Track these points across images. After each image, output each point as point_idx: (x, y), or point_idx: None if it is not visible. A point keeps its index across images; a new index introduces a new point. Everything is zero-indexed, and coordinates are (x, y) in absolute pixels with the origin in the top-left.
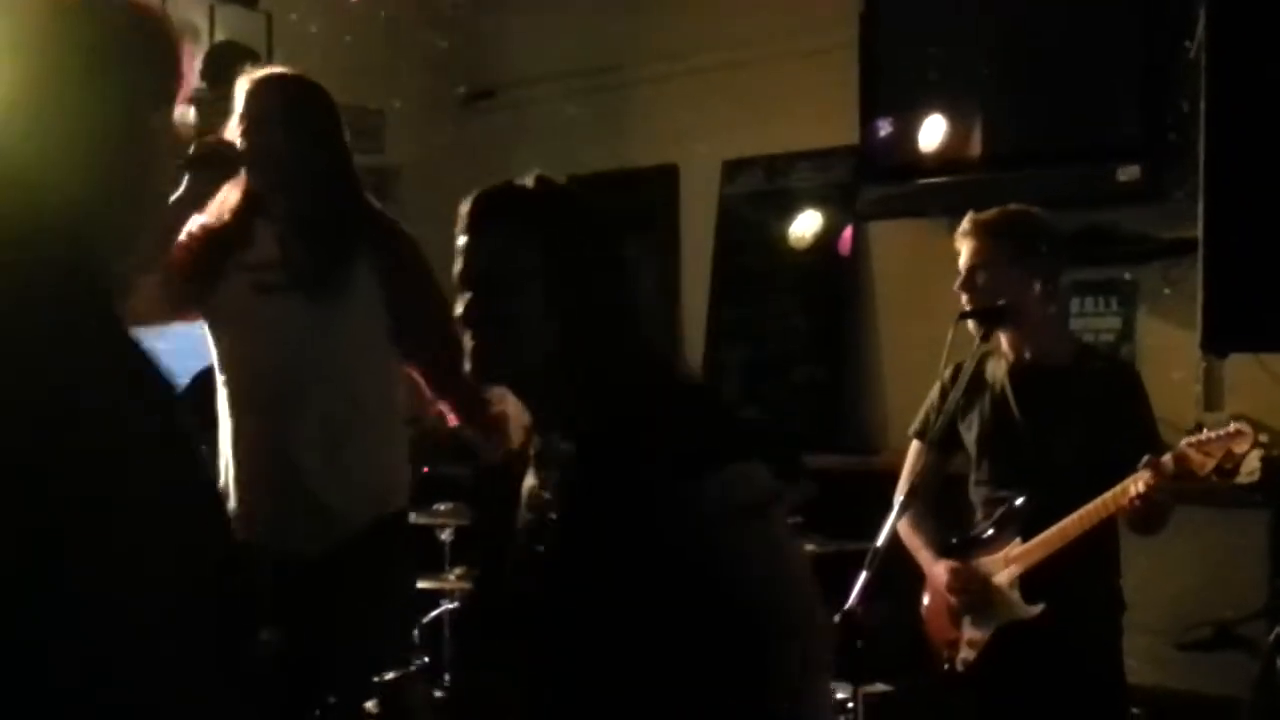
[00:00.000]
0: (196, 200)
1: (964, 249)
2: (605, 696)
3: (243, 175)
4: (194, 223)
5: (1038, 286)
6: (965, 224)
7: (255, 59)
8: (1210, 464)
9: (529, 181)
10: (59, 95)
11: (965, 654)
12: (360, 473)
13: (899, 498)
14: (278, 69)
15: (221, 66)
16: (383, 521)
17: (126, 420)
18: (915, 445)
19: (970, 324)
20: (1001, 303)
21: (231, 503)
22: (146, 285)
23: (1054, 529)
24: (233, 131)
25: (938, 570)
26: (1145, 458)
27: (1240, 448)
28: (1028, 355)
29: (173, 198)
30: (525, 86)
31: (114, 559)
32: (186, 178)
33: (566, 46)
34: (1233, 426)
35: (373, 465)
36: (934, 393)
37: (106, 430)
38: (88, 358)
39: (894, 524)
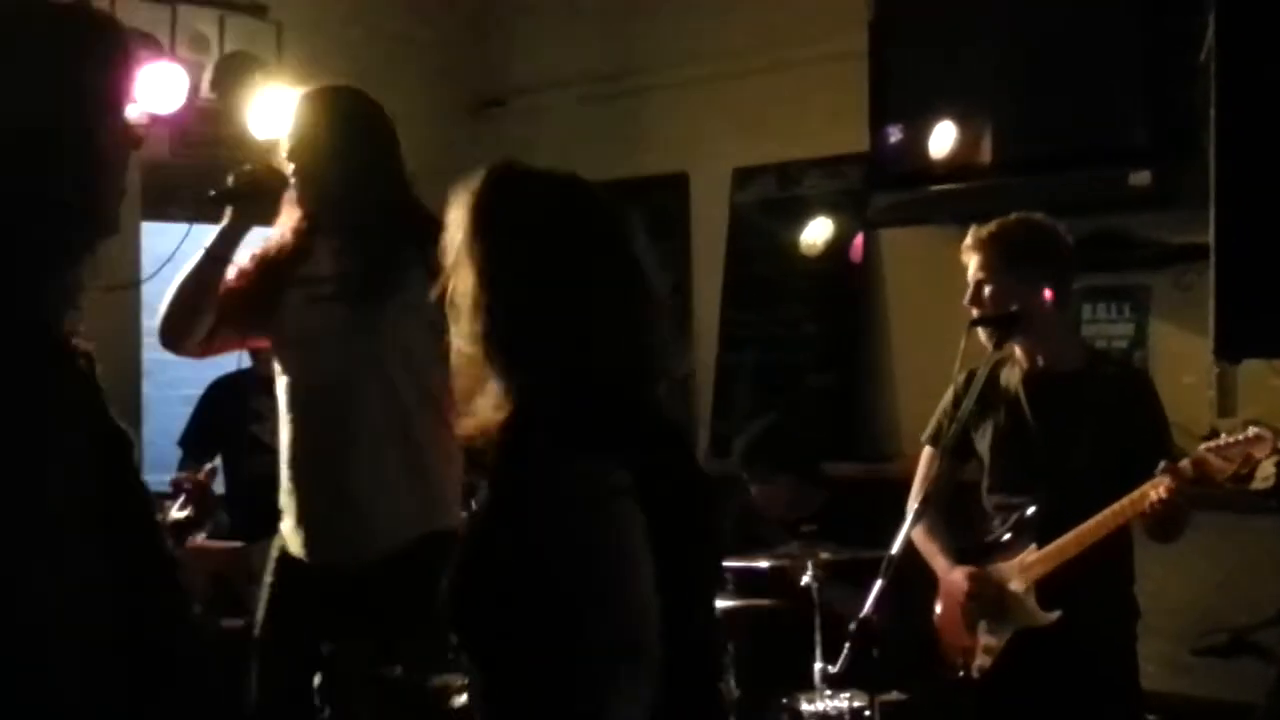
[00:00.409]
0: (239, 230)
1: (970, 262)
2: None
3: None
4: (249, 251)
5: (1046, 294)
6: (969, 237)
7: (265, 69)
8: (1230, 469)
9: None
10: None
11: (980, 661)
12: (408, 486)
13: (911, 505)
14: (325, 84)
15: (231, 77)
16: (431, 537)
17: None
18: (927, 452)
19: (982, 331)
20: (1014, 309)
21: (286, 518)
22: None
23: (1070, 535)
24: (283, 149)
25: (953, 576)
26: (1163, 464)
27: (1260, 452)
28: (1040, 362)
29: (217, 230)
30: (536, 94)
31: None
32: (229, 209)
33: (577, 55)
34: (1252, 431)
35: (422, 479)
36: (946, 400)
37: None
38: None
39: (909, 532)
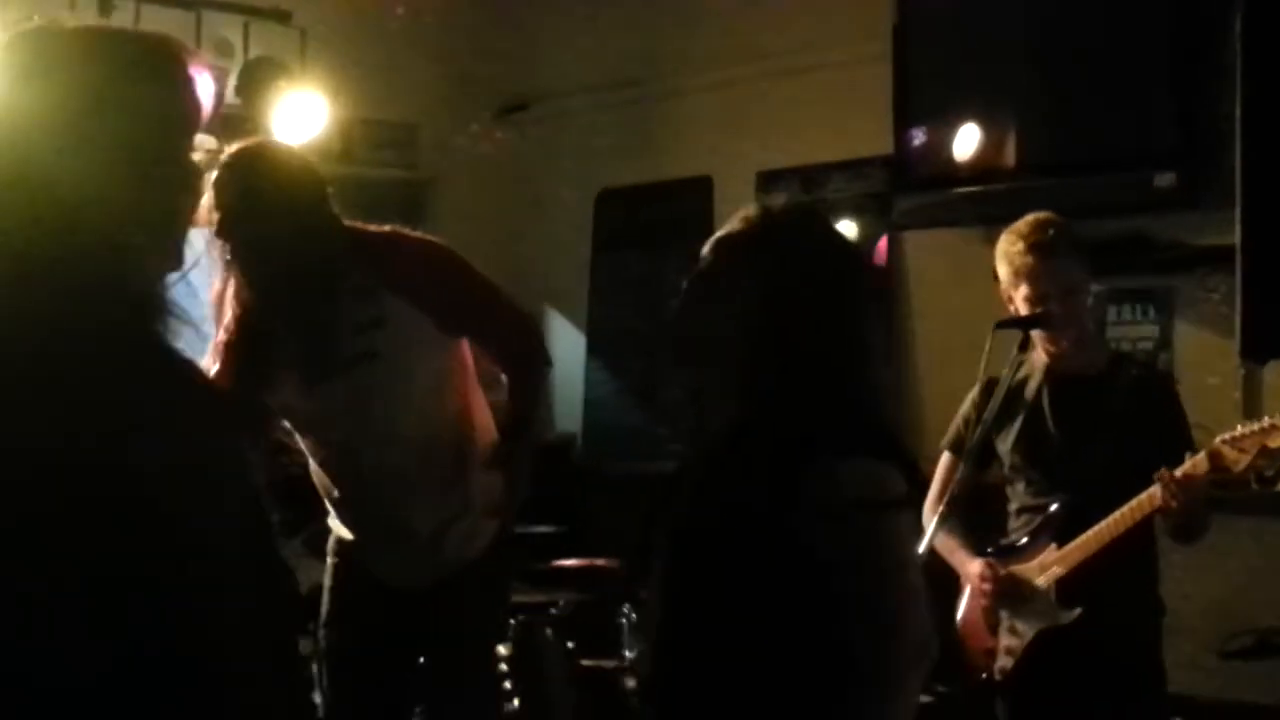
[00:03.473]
0: None
1: (1017, 264)
2: (704, 667)
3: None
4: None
5: (1084, 294)
6: (1014, 240)
7: (289, 75)
8: (1245, 460)
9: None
10: (94, 118)
11: (1003, 662)
12: (468, 509)
13: (929, 509)
14: (239, 149)
15: (256, 83)
16: (498, 543)
17: (175, 436)
18: (946, 457)
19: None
20: (1040, 310)
21: (344, 534)
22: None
23: (1090, 533)
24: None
25: (973, 569)
26: (1187, 457)
27: (1275, 441)
28: (1064, 364)
29: None
30: (558, 99)
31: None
32: None
33: (599, 59)
34: (1266, 421)
35: (478, 491)
36: (966, 406)
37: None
38: (134, 381)
39: (933, 535)
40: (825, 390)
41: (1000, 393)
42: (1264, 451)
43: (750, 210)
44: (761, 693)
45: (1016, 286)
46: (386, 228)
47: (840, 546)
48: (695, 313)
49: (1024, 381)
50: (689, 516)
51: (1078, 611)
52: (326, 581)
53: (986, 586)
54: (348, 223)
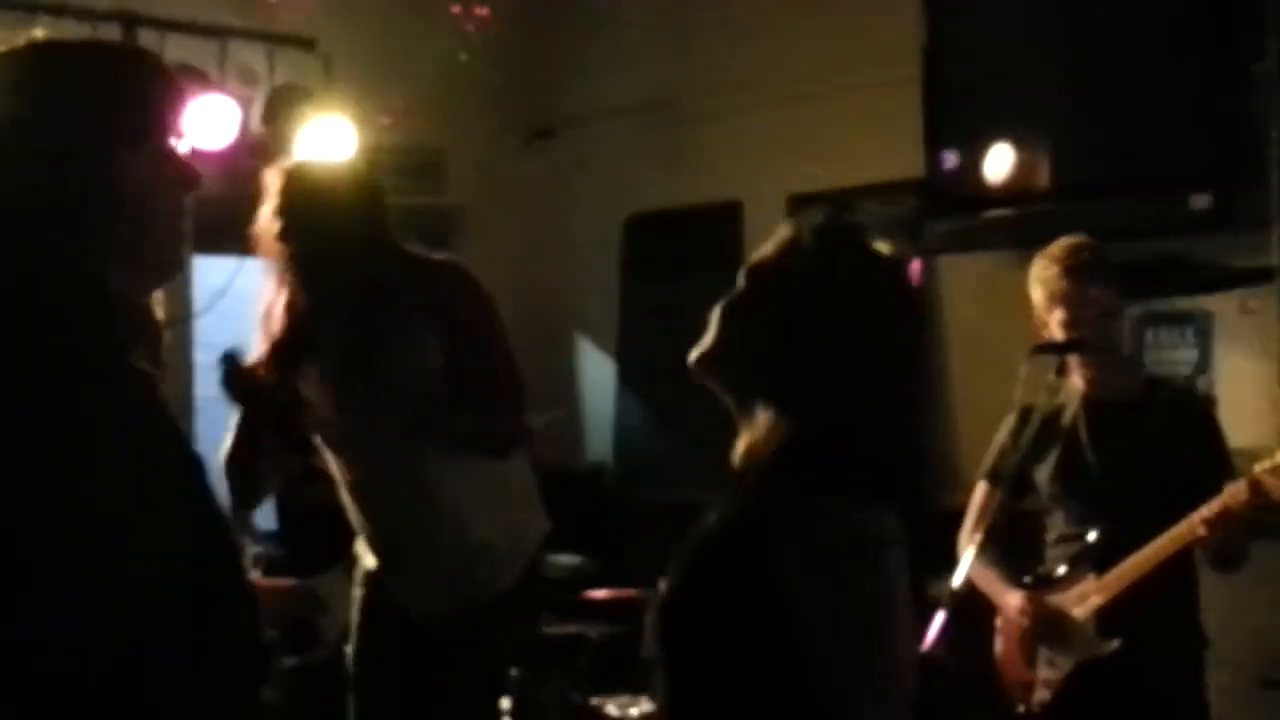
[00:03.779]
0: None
1: (1055, 288)
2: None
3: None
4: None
5: (1118, 318)
6: (1048, 264)
7: (314, 101)
8: None
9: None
10: (20, 129)
11: (1041, 695)
12: (497, 536)
13: (965, 538)
14: (298, 161)
15: (281, 110)
16: (525, 575)
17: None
18: (983, 486)
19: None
20: (1075, 335)
21: (372, 558)
22: None
23: (1129, 562)
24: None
25: (1012, 601)
26: (1227, 485)
27: None
28: (1100, 391)
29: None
30: (587, 124)
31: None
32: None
33: (628, 83)
34: None
35: (506, 520)
36: (1003, 434)
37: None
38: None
39: (970, 566)
40: (836, 425)
41: (1036, 421)
42: None
43: (783, 231)
44: None
45: (1051, 311)
46: (448, 258)
47: (803, 589)
48: (722, 340)
49: (1060, 409)
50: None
51: (1117, 643)
52: (355, 616)
53: (1025, 621)
54: (409, 247)
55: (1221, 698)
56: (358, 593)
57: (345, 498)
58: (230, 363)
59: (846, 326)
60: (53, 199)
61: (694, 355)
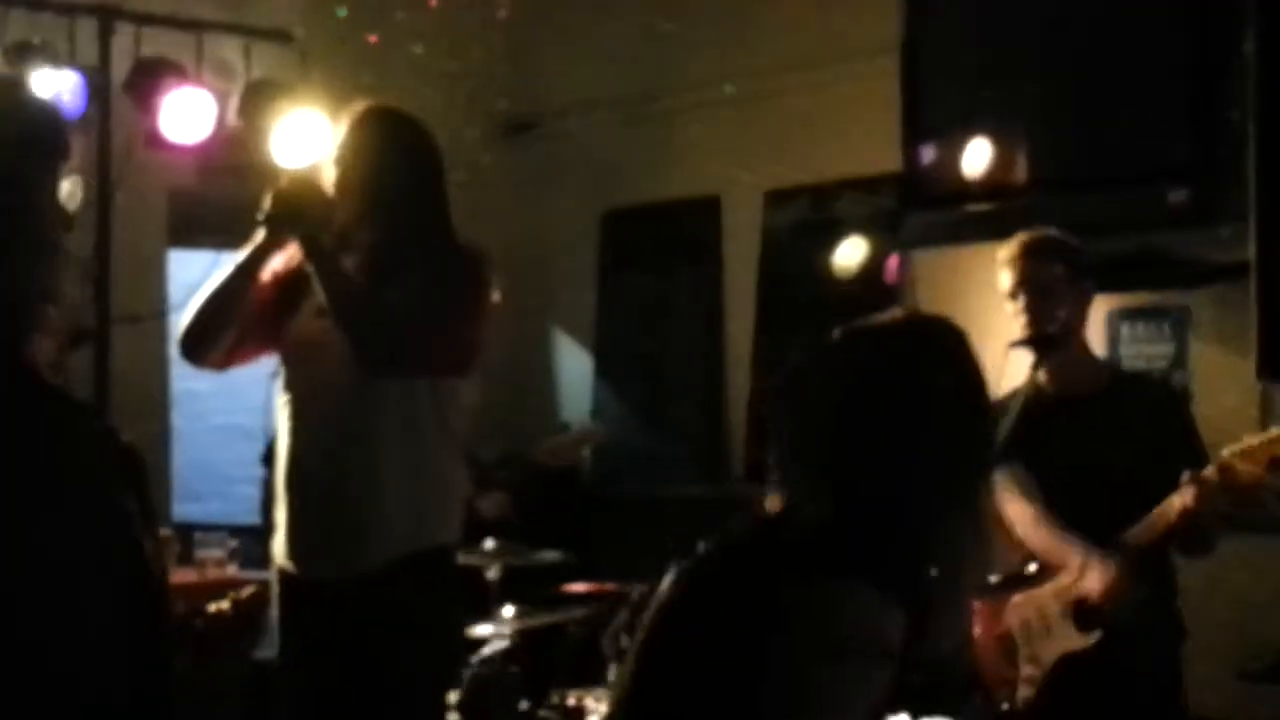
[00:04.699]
0: (273, 248)
1: (1020, 274)
2: None
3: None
4: (274, 265)
5: (1083, 308)
6: (1016, 249)
7: (291, 96)
8: (1258, 471)
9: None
10: None
11: (1024, 692)
12: (406, 497)
13: None
14: (379, 104)
15: (258, 104)
16: (422, 555)
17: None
18: None
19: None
20: (1052, 330)
21: (277, 532)
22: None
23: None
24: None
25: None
26: (1187, 474)
27: None
28: (1065, 386)
29: (251, 245)
30: (565, 118)
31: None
32: (263, 230)
33: (606, 78)
34: (1274, 431)
35: (421, 490)
36: None
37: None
38: None
39: None
40: (872, 519)
41: (1009, 419)
42: (1274, 463)
43: (899, 313)
44: None
45: (1006, 287)
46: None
47: (807, 667)
48: (798, 388)
49: (1031, 404)
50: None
51: (1098, 634)
52: (274, 605)
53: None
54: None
55: (1197, 688)
56: (275, 590)
57: (279, 472)
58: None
59: (934, 424)
60: None
61: (779, 384)
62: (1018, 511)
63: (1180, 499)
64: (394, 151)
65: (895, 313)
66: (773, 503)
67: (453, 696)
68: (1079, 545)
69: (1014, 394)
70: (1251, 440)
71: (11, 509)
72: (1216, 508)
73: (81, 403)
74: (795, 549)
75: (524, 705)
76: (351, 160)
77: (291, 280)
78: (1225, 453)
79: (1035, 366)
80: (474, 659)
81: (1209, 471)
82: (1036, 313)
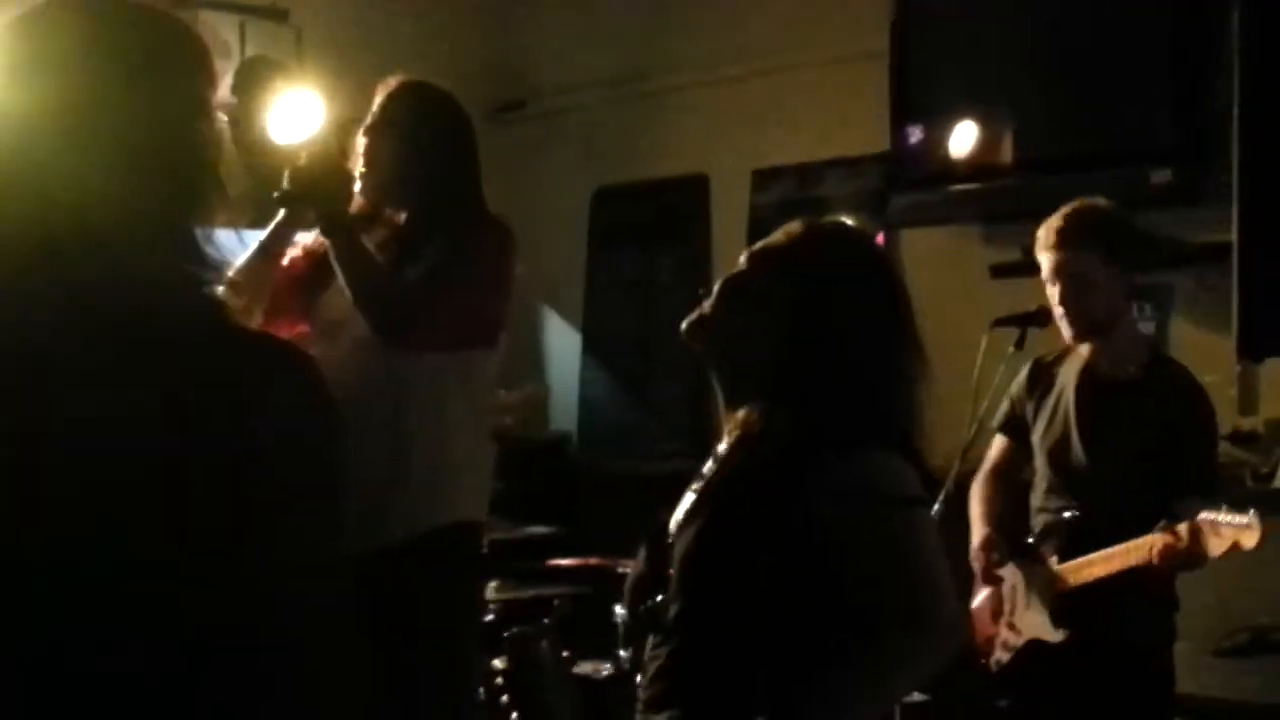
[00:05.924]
0: (295, 228)
1: (1061, 258)
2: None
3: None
4: (300, 244)
5: (1125, 289)
6: (1050, 235)
7: (285, 74)
8: (1221, 547)
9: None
10: (104, 108)
11: (999, 655)
12: (426, 473)
13: (976, 486)
14: (416, 79)
15: (252, 82)
16: (443, 530)
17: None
18: (1000, 440)
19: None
20: (1033, 308)
21: None
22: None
23: (1086, 562)
24: (359, 133)
25: (976, 538)
26: (1162, 522)
27: (1248, 542)
28: (1102, 365)
29: (272, 227)
30: (554, 97)
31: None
32: (282, 211)
33: (596, 57)
34: (1245, 519)
35: (442, 466)
36: (1016, 387)
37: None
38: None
39: (939, 508)
40: (845, 395)
41: (1041, 381)
42: (1235, 548)
43: (793, 225)
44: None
45: (1043, 273)
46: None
47: (850, 537)
48: (726, 319)
49: (1063, 375)
50: (697, 515)
51: (1063, 634)
52: None
53: (981, 557)
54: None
55: (1175, 666)
56: None
57: None
58: None
59: (851, 312)
60: (125, 193)
61: (689, 323)
62: (979, 481)
63: (1152, 545)
64: (428, 125)
65: (791, 228)
66: (731, 422)
67: (498, 663)
68: (979, 524)
69: (1047, 365)
70: (1227, 517)
71: None
72: (1174, 565)
73: None
74: (803, 448)
75: None
76: (385, 132)
77: (323, 256)
78: (1200, 517)
79: (1019, 345)
80: (513, 629)
81: (1182, 529)
82: (1074, 305)
